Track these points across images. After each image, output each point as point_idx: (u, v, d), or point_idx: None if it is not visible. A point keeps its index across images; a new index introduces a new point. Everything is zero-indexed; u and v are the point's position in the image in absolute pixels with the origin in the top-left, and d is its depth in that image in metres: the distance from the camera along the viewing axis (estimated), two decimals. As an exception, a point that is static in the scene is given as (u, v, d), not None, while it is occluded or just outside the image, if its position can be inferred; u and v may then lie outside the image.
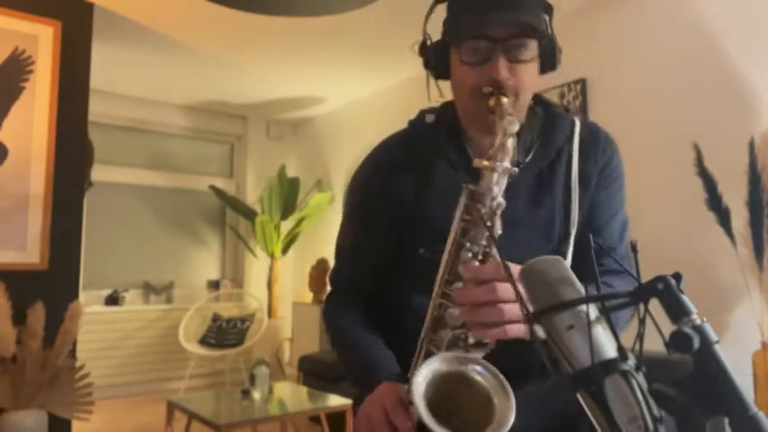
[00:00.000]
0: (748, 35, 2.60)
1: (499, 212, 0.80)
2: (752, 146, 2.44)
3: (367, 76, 4.60)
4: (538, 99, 1.02)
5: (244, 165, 5.80)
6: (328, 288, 1.13)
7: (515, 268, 0.76)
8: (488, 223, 0.79)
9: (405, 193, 0.99)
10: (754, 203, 2.41)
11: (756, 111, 2.54)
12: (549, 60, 0.95)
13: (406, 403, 0.78)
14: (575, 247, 0.96)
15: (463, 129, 1.00)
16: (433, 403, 0.60)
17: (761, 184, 2.42)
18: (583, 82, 3.24)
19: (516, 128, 0.83)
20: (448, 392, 0.64)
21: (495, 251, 0.79)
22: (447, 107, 1.04)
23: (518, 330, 0.74)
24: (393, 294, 1.02)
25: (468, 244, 0.79)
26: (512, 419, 0.57)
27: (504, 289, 0.74)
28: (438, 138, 1.01)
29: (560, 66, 0.97)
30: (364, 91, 4.96)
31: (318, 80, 4.73)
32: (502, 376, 0.65)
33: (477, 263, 0.81)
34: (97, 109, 4.22)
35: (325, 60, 4.27)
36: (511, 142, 0.81)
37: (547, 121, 0.99)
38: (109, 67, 4.24)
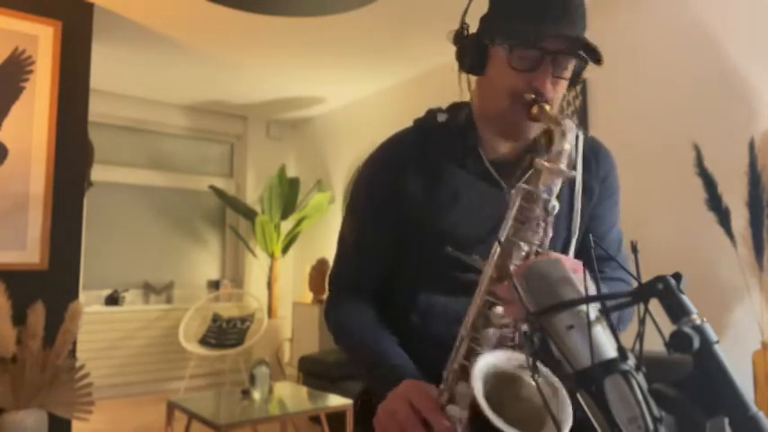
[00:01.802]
0: (748, 35, 2.60)
1: (554, 214, 0.80)
2: (752, 146, 2.44)
3: (367, 76, 4.60)
4: None
5: (244, 165, 5.80)
6: (327, 288, 1.11)
7: (573, 262, 0.76)
8: (543, 224, 0.79)
9: (414, 193, 0.98)
10: (754, 203, 2.41)
11: (756, 111, 2.54)
12: (574, 79, 0.97)
13: (439, 404, 0.77)
14: (576, 256, 0.97)
15: (477, 130, 1.00)
16: (487, 398, 0.59)
17: (761, 184, 2.42)
18: (583, 82, 3.23)
19: (574, 134, 0.84)
20: (500, 391, 0.63)
21: (548, 251, 0.79)
22: (461, 108, 1.03)
23: None
24: (397, 293, 1.01)
25: (521, 243, 0.79)
26: (569, 422, 0.56)
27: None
28: (450, 138, 1.00)
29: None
30: (364, 91, 4.96)
31: (318, 80, 4.73)
32: (559, 384, 0.64)
33: None
34: (97, 109, 4.22)
35: (325, 60, 4.27)
36: (568, 147, 0.82)
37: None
38: (109, 67, 4.24)
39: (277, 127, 5.95)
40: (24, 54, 3.02)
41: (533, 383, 0.62)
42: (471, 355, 0.77)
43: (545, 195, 0.80)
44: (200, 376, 4.98)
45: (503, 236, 0.80)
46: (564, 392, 0.62)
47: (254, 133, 5.83)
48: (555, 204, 0.80)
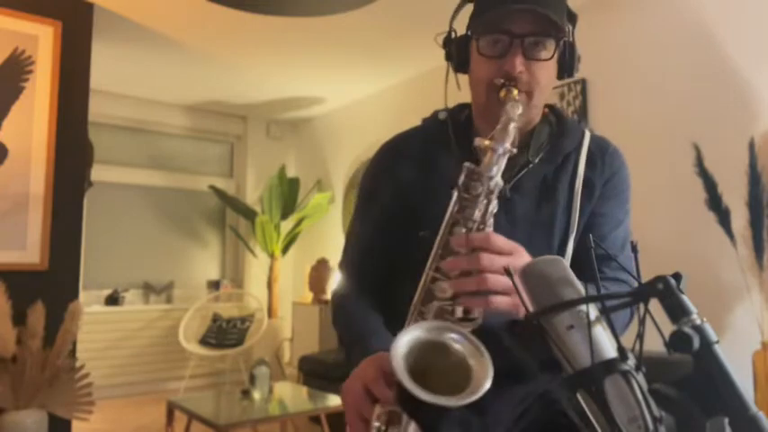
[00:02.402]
0: (748, 35, 2.60)
1: (497, 192, 0.81)
2: (752, 146, 2.44)
3: (367, 76, 4.60)
4: (553, 109, 1.05)
5: (244, 165, 5.80)
6: (336, 278, 1.15)
7: (508, 242, 0.77)
8: (484, 201, 0.80)
9: (408, 182, 1.02)
10: (754, 203, 2.41)
11: (756, 111, 2.54)
12: (567, 65, 0.96)
13: (388, 374, 0.78)
14: (574, 254, 0.97)
15: (475, 125, 1.03)
16: (413, 369, 0.60)
17: (761, 184, 2.42)
18: (583, 82, 3.24)
19: (519, 112, 0.85)
20: (427, 360, 0.64)
21: (489, 227, 0.80)
22: (463, 107, 1.07)
23: (502, 302, 0.75)
24: (394, 282, 1.04)
25: (462, 220, 0.80)
26: (488, 384, 0.57)
27: (490, 259, 0.75)
28: (447, 132, 1.03)
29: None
30: (364, 91, 4.96)
31: (318, 80, 4.73)
32: (479, 343, 0.65)
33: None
34: (97, 109, 4.22)
35: (325, 60, 4.27)
36: (513, 126, 0.83)
37: (558, 128, 1.01)
38: (109, 67, 4.24)
39: (277, 127, 5.95)
40: (24, 54, 3.02)
41: (458, 348, 0.63)
42: None
43: (488, 173, 0.80)
44: (200, 376, 4.98)
45: (448, 213, 0.81)
46: (480, 345, 0.63)
47: (254, 133, 5.83)
48: (498, 182, 0.80)
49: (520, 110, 0.85)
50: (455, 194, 0.82)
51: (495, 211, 0.81)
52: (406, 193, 1.01)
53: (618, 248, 1.02)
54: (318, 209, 5.26)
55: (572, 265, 0.91)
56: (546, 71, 0.92)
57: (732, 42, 2.65)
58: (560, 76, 0.97)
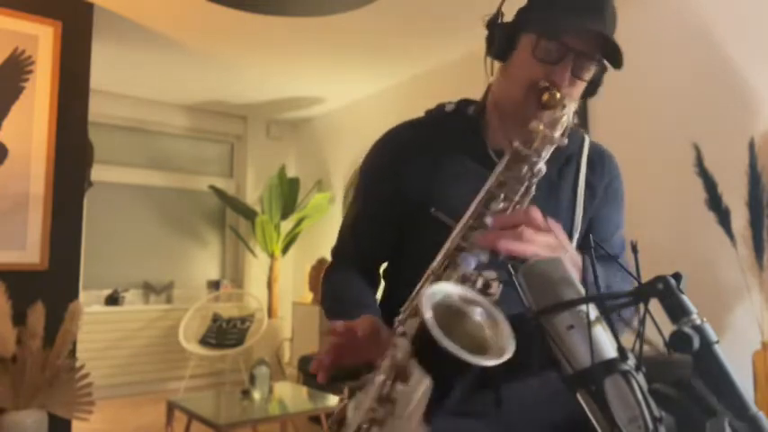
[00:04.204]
0: (749, 35, 2.60)
1: (539, 177, 0.81)
2: (752, 146, 2.44)
3: (367, 76, 4.60)
4: None
5: (244, 165, 5.80)
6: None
7: (546, 219, 0.77)
8: (526, 184, 0.80)
9: (412, 173, 1.01)
10: (754, 203, 2.41)
11: (756, 111, 2.54)
12: (592, 88, 0.99)
13: (387, 334, 0.78)
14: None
15: (485, 119, 1.03)
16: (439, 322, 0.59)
17: (761, 184, 2.42)
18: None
19: (574, 108, 0.87)
20: (449, 319, 0.63)
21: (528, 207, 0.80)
22: (471, 102, 1.07)
23: (548, 244, 0.74)
24: (403, 273, 1.04)
25: (501, 195, 0.80)
26: (511, 351, 0.56)
27: (530, 234, 0.74)
28: (456, 125, 1.03)
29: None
30: (364, 91, 4.96)
31: (318, 80, 4.73)
32: (505, 320, 0.62)
33: None
34: (97, 109, 4.21)
35: (325, 60, 4.26)
36: (565, 119, 0.83)
37: None
38: (109, 67, 4.24)
39: (277, 127, 5.95)
40: (24, 54, 3.02)
41: (478, 319, 0.62)
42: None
43: (534, 157, 0.80)
44: (201, 376, 4.98)
45: (486, 186, 0.81)
46: (506, 325, 0.61)
47: (254, 133, 5.83)
48: (542, 167, 0.80)
49: (572, 110, 0.86)
50: (496, 170, 0.81)
51: (533, 194, 0.82)
52: (408, 186, 1.01)
53: (619, 251, 1.04)
54: (318, 209, 5.26)
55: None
56: (580, 90, 0.95)
57: (732, 42, 2.64)
58: (583, 96, 0.99)
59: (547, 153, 0.82)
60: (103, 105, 4.75)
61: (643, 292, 0.48)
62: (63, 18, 3.15)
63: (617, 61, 0.90)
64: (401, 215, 1.01)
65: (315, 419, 3.39)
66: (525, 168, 0.80)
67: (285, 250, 5.45)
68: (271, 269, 5.38)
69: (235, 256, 5.78)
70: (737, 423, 0.43)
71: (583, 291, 0.54)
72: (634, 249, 0.54)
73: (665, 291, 0.48)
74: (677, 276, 0.48)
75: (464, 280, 0.76)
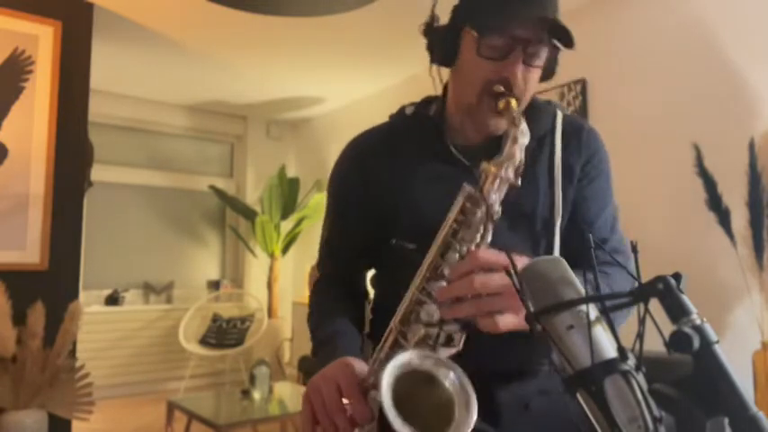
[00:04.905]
0: (748, 35, 2.60)
1: (495, 219, 0.78)
2: (752, 146, 2.44)
3: (367, 76, 4.60)
4: None
5: (244, 165, 5.80)
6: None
7: (496, 254, 0.75)
8: (482, 229, 0.77)
9: (380, 182, 0.99)
10: (754, 203, 2.41)
11: (756, 111, 2.54)
12: (549, 69, 0.94)
13: (364, 388, 0.75)
14: (563, 240, 0.95)
15: (446, 119, 1.00)
16: (397, 397, 0.60)
17: (761, 184, 2.42)
18: (583, 82, 3.24)
19: (527, 140, 0.81)
20: (413, 390, 0.64)
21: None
22: (430, 101, 1.04)
23: (509, 323, 0.72)
24: (382, 280, 1.04)
25: (457, 245, 0.78)
26: (473, 415, 0.58)
27: (483, 279, 0.72)
28: (416, 128, 1.01)
29: (559, 67, 0.97)
30: (364, 91, 4.96)
31: (318, 80, 4.73)
32: (472, 391, 0.64)
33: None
34: (97, 109, 4.21)
35: (325, 60, 4.26)
36: (520, 153, 0.79)
37: (528, 111, 0.96)
38: (109, 67, 4.24)
39: (277, 127, 5.95)
40: (24, 54, 3.02)
41: (445, 383, 0.64)
42: (396, 347, 0.77)
43: (489, 199, 0.77)
44: (200, 376, 4.98)
45: (441, 235, 0.78)
46: (472, 395, 0.64)
47: (254, 133, 5.83)
48: (498, 210, 0.78)
49: (527, 138, 0.81)
50: (449, 217, 0.78)
51: (489, 240, 0.78)
52: (375, 196, 0.99)
53: (608, 230, 0.99)
54: (318, 209, 5.26)
55: (561, 252, 0.90)
56: (536, 77, 0.90)
57: (732, 42, 2.65)
58: (542, 79, 0.94)
59: (501, 194, 0.78)
60: (103, 105, 4.75)
61: (643, 292, 0.48)
62: (63, 18, 3.15)
63: (567, 40, 0.85)
64: (373, 223, 0.98)
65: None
66: (480, 213, 0.77)
67: (285, 250, 5.45)
68: (271, 269, 5.38)
69: (235, 256, 5.78)
70: (737, 423, 0.43)
71: (583, 290, 0.54)
72: (634, 249, 0.54)
73: (665, 291, 0.48)
74: (677, 276, 0.48)
75: (426, 337, 0.76)
